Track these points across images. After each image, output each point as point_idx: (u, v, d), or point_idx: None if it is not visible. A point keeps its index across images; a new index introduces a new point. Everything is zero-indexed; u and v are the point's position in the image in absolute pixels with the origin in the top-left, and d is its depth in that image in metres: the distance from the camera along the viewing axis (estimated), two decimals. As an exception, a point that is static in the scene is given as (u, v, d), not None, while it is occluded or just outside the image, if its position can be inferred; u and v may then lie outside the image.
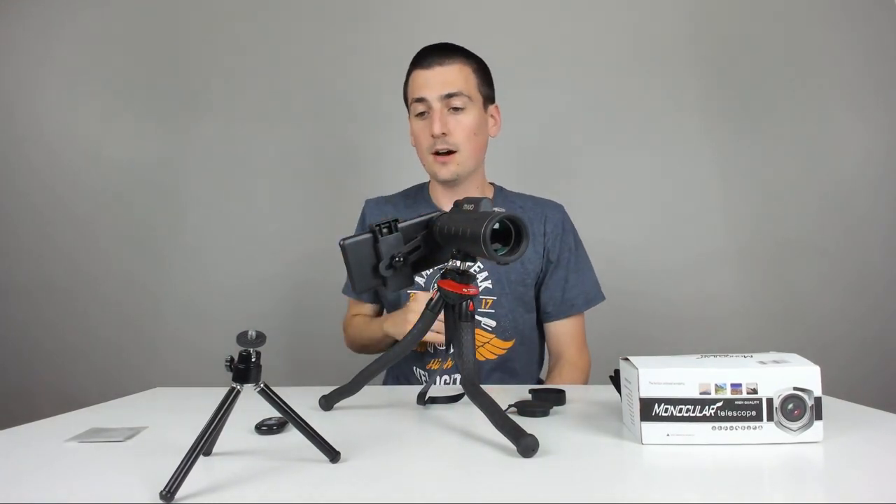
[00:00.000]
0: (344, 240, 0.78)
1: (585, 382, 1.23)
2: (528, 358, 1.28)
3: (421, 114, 1.20)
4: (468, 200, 0.75)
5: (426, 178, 1.35)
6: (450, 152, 1.19)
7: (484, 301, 1.21)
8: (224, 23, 2.05)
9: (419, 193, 1.35)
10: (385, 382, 1.33)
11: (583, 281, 1.26)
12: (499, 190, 1.33)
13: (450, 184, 1.24)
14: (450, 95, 1.17)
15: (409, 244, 0.78)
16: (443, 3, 2.03)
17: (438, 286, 0.79)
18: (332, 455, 0.62)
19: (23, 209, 2.05)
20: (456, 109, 1.18)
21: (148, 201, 2.04)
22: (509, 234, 0.69)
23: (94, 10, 2.06)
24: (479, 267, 1.22)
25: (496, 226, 0.68)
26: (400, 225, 0.79)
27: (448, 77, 1.18)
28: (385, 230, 0.78)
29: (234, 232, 2.03)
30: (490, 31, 1.92)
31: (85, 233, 2.04)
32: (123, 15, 2.06)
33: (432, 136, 1.17)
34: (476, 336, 1.19)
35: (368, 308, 1.37)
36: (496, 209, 0.70)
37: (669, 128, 1.97)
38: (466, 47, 1.24)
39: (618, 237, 1.92)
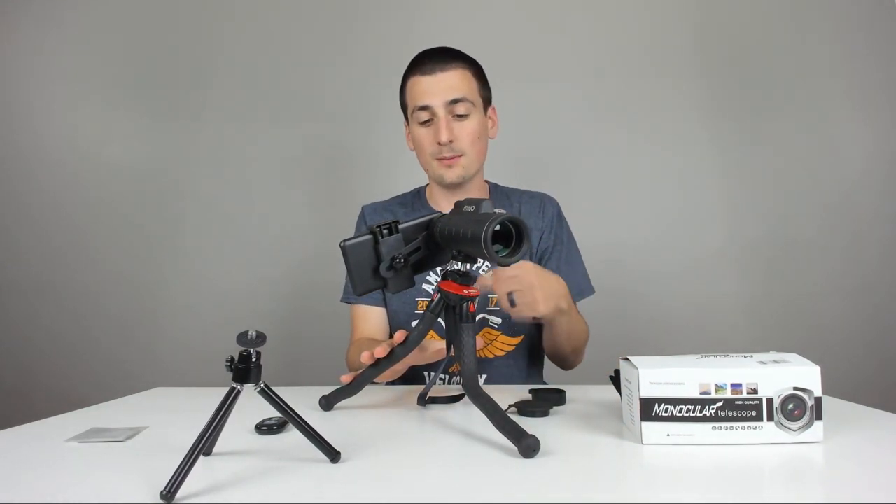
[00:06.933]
0: (344, 241, 0.78)
1: (585, 340, 1.20)
2: (539, 353, 1.29)
3: (425, 122, 1.18)
4: (469, 202, 0.75)
5: (425, 177, 1.34)
6: (454, 156, 1.18)
7: (490, 299, 1.20)
8: (222, 24, 2.05)
9: (416, 200, 1.33)
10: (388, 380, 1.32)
11: (574, 272, 1.25)
12: (493, 186, 1.34)
13: (454, 186, 1.23)
14: (454, 101, 1.15)
15: (409, 245, 0.78)
16: (442, 3, 2.03)
17: (439, 287, 0.79)
18: (332, 455, 0.62)
19: (20, 210, 2.05)
20: (460, 116, 1.17)
21: (146, 202, 2.04)
22: (509, 235, 0.69)
23: (92, 8, 2.06)
24: (487, 266, 1.21)
25: (497, 227, 0.68)
26: (400, 226, 0.79)
27: (451, 83, 1.16)
28: (385, 231, 0.78)
29: (233, 233, 2.03)
30: (489, 32, 1.92)
31: (83, 233, 2.04)
32: (121, 14, 2.06)
33: (439, 143, 1.16)
34: (484, 334, 1.19)
35: (376, 315, 1.27)
36: (497, 210, 0.70)
37: (672, 129, 1.97)
38: (463, 49, 1.23)
39: (619, 238, 1.92)
